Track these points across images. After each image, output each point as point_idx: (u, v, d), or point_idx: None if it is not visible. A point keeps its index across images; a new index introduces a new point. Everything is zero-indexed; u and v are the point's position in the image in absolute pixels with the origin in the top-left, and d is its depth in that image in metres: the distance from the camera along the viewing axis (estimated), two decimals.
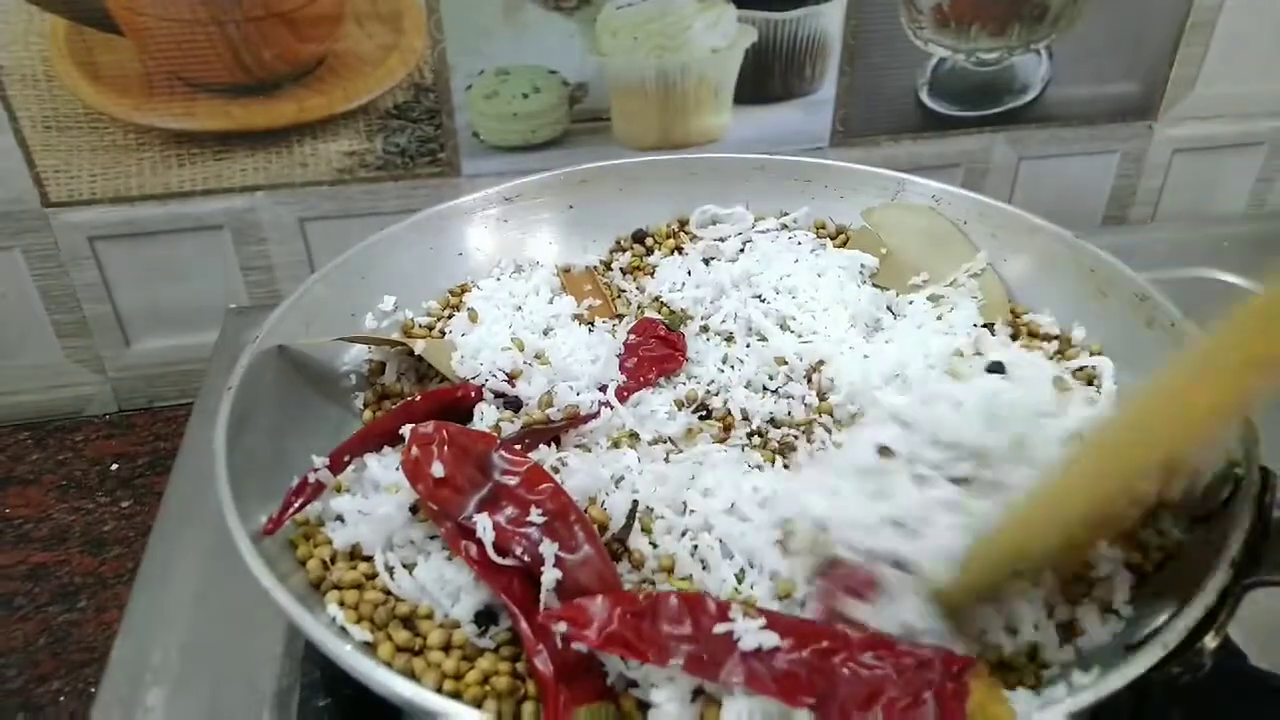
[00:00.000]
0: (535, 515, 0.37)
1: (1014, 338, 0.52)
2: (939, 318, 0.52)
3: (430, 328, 0.53)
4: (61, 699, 0.51)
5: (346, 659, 0.33)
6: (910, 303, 0.53)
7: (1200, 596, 0.34)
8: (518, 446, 0.42)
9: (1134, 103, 0.74)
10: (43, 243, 0.64)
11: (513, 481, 0.38)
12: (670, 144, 0.69)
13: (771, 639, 0.32)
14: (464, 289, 0.56)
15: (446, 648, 0.35)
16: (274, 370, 0.45)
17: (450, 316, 0.53)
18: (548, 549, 0.36)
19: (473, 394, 0.46)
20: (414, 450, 0.38)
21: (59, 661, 0.53)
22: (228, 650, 0.44)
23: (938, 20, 0.67)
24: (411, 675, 0.34)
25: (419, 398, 0.46)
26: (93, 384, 0.69)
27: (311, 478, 0.41)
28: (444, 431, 0.39)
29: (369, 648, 0.35)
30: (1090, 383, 0.49)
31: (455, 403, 0.46)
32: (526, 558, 0.36)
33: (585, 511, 0.39)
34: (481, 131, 0.66)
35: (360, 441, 0.43)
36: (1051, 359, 0.50)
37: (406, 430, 0.40)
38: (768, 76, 0.68)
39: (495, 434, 0.43)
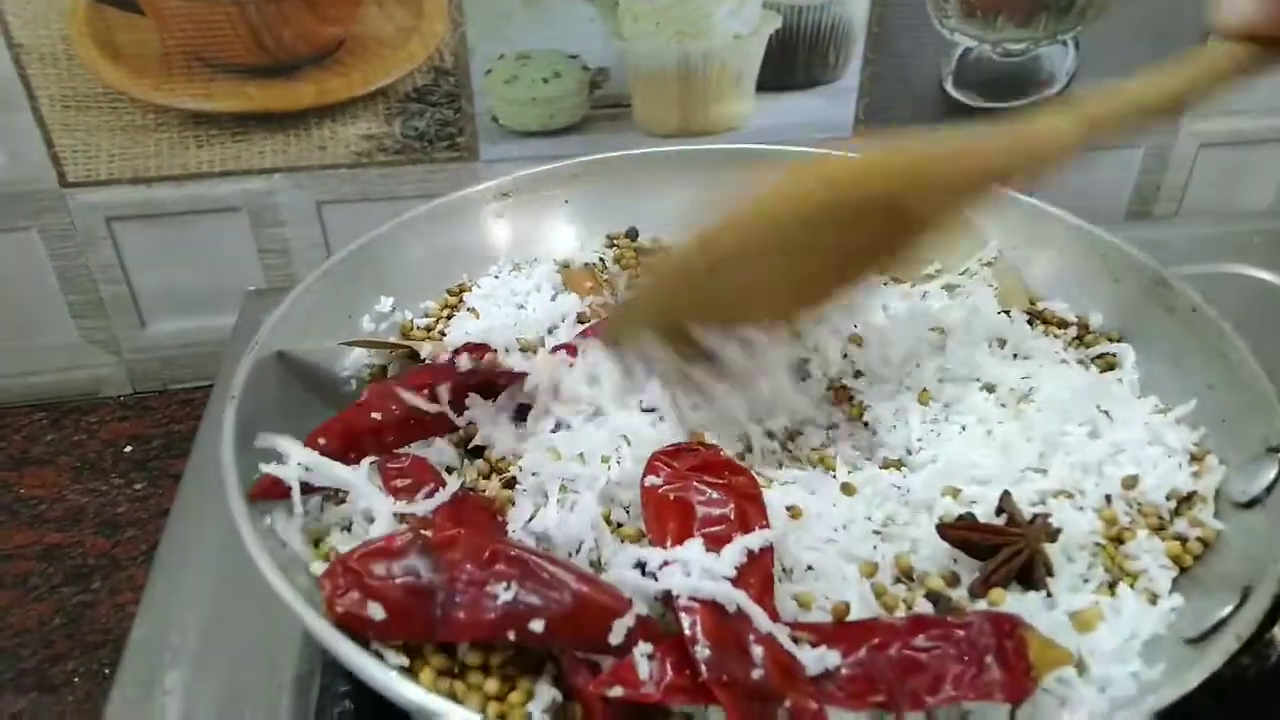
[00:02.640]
0: (502, 592, 0.33)
1: (1031, 324, 0.52)
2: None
3: (429, 329, 0.52)
4: (76, 679, 0.51)
5: (398, 689, 0.32)
6: (924, 295, 0.53)
7: (1265, 584, 0.34)
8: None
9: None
10: (60, 223, 0.63)
11: (460, 574, 0.33)
12: (690, 131, 0.68)
13: (833, 658, 0.32)
14: (462, 288, 0.55)
15: (485, 668, 0.34)
16: (274, 377, 0.45)
17: (449, 317, 0.53)
18: (537, 625, 0.32)
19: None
20: (338, 606, 0.33)
21: (73, 642, 0.53)
22: (247, 633, 0.43)
23: (964, 9, 0.67)
24: (454, 699, 0.33)
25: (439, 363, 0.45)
26: (108, 365, 0.69)
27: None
28: (351, 567, 0.34)
29: (407, 672, 0.34)
30: (1110, 369, 0.49)
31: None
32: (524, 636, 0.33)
33: None
34: (501, 116, 0.65)
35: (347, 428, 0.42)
36: (1070, 345, 0.50)
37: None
38: (791, 64, 0.67)
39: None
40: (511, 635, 0.33)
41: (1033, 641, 0.32)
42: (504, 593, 0.33)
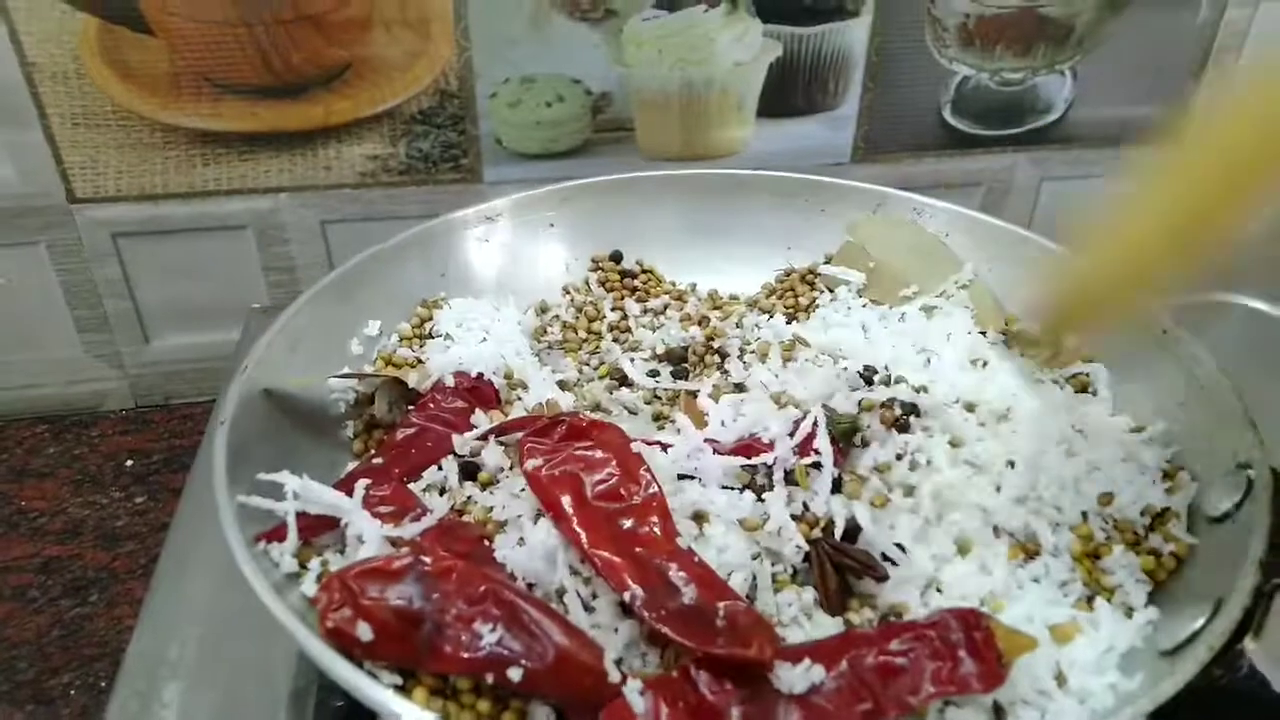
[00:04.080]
0: (487, 633, 0.33)
1: (1007, 345, 0.52)
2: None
3: (410, 340, 0.53)
4: (72, 692, 0.51)
5: (392, 707, 0.32)
6: (901, 316, 0.54)
7: (1235, 597, 0.35)
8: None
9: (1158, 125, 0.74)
10: (67, 238, 0.64)
11: (450, 607, 0.34)
12: (691, 156, 0.69)
13: (818, 673, 0.33)
14: (436, 303, 0.55)
15: (477, 689, 0.34)
16: (264, 401, 0.45)
17: (429, 334, 0.53)
18: (515, 674, 0.33)
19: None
20: (329, 620, 0.34)
21: (70, 655, 0.53)
22: (245, 648, 0.43)
23: (962, 39, 0.68)
24: (447, 718, 0.34)
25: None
26: (111, 379, 0.70)
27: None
28: (347, 583, 0.34)
29: (401, 690, 0.34)
30: (1084, 389, 0.49)
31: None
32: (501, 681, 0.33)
33: None
34: (504, 139, 0.66)
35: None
36: (1044, 365, 0.51)
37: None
38: (791, 91, 0.68)
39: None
40: (490, 678, 0.33)
41: (999, 631, 0.34)
42: (489, 634, 0.33)
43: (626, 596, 0.35)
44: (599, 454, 0.40)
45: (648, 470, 0.39)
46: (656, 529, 0.37)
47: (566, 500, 0.38)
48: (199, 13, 0.58)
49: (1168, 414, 0.46)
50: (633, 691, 0.33)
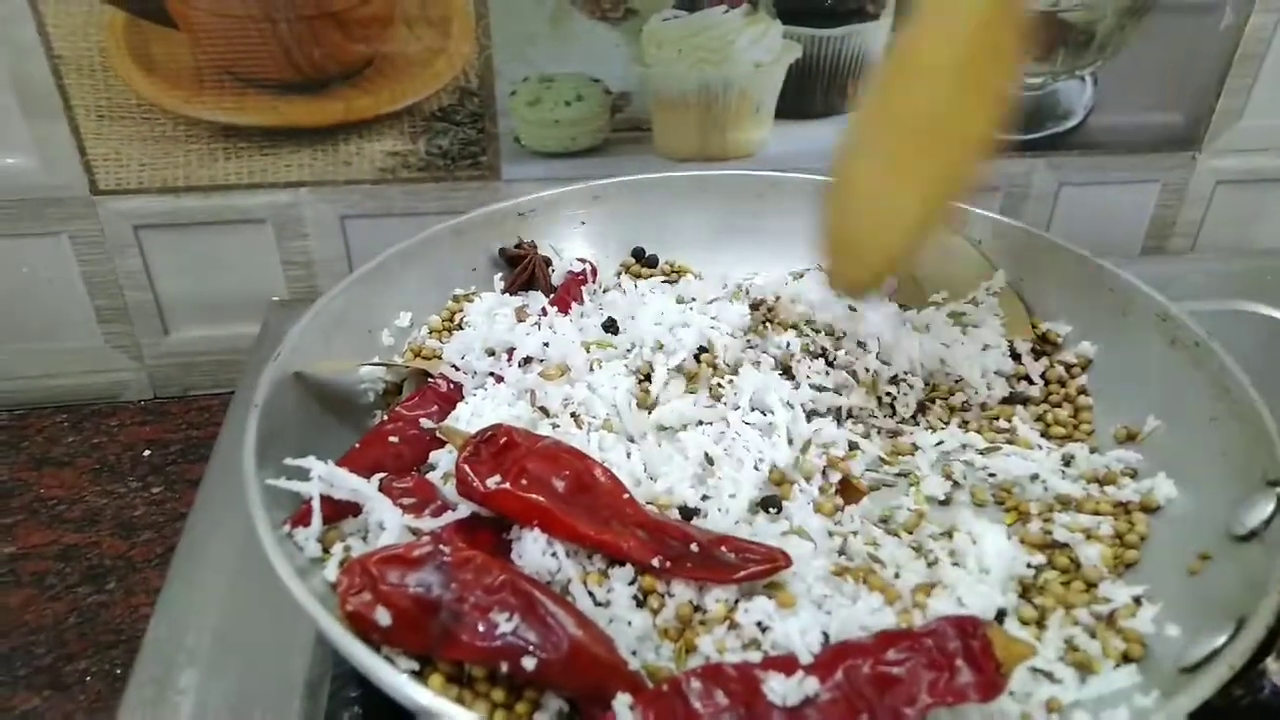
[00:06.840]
0: (503, 622, 0.34)
1: (1036, 356, 0.52)
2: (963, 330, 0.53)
3: (439, 332, 0.54)
4: (88, 679, 0.51)
5: (408, 692, 0.32)
6: (927, 327, 0.54)
7: (1259, 616, 0.34)
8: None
9: (1178, 133, 0.73)
10: (89, 229, 0.65)
11: (468, 596, 0.34)
12: (708, 157, 0.69)
13: (812, 685, 0.32)
14: (467, 297, 0.56)
15: (492, 677, 0.35)
16: (295, 386, 0.46)
17: (459, 328, 0.54)
18: (529, 663, 0.33)
19: None
20: (349, 604, 0.34)
21: (87, 642, 0.53)
22: (261, 637, 0.44)
23: None
24: (462, 705, 0.34)
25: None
26: (130, 370, 0.70)
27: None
28: (368, 569, 0.35)
29: (417, 676, 0.35)
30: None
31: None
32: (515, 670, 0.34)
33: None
34: (523, 137, 0.67)
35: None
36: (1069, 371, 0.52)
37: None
38: (810, 93, 0.68)
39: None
40: (505, 667, 0.33)
41: (997, 639, 0.33)
42: (505, 623, 0.33)
43: (655, 562, 0.37)
44: (553, 453, 0.40)
45: (590, 458, 0.41)
46: (630, 506, 0.39)
47: (549, 503, 0.38)
48: (222, 7, 0.59)
49: (1198, 428, 0.45)
50: (622, 706, 0.32)
